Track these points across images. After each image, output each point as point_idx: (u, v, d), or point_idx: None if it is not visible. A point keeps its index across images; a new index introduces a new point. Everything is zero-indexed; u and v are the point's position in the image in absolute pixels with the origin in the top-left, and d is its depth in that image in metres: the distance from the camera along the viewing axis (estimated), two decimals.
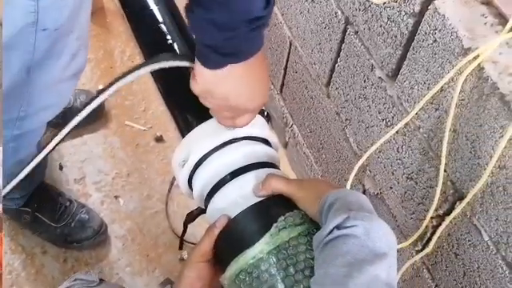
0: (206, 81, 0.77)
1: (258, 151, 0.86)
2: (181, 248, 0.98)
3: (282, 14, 1.57)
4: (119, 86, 0.78)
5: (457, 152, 0.98)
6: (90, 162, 1.76)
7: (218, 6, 0.67)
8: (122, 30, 2.07)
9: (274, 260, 0.73)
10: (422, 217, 1.12)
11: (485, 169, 0.91)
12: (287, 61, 1.62)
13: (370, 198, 1.32)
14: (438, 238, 1.07)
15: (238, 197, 0.81)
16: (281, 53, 1.64)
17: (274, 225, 0.75)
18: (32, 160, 0.79)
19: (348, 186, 1.26)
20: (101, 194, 1.70)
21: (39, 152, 0.79)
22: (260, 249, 0.74)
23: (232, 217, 0.80)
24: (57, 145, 0.79)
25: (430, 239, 1.10)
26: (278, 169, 0.88)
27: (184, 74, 0.89)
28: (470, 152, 0.95)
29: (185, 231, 0.95)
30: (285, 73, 1.66)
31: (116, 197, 1.70)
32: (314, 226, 0.76)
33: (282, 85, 1.70)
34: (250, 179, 0.82)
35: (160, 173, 1.76)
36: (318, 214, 0.72)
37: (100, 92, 0.79)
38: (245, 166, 0.84)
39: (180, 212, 1.67)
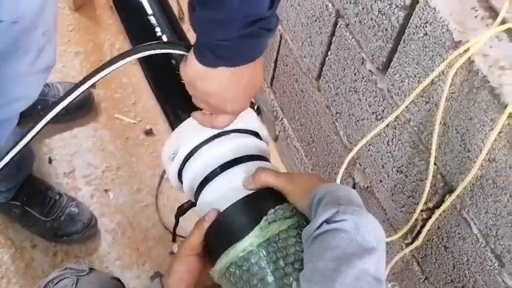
0: (194, 73, 0.77)
1: (248, 144, 0.86)
2: (174, 241, 0.97)
3: None
4: (110, 70, 0.78)
5: (447, 145, 0.98)
6: (80, 155, 1.75)
7: (217, 4, 0.66)
8: (111, 23, 2.06)
9: (264, 253, 0.73)
10: (411, 210, 1.12)
11: (474, 162, 0.91)
12: (277, 54, 1.62)
13: (360, 191, 1.32)
14: (428, 230, 1.07)
15: (228, 190, 0.81)
16: (271, 46, 1.63)
17: (264, 218, 0.75)
18: (15, 146, 0.78)
19: (338, 180, 1.26)
20: (90, 188, 1.69)
21: (21, 139, 0.78)
22: (250, 242, 0.74)
23: (222, 210, 0.79)
24: (41, 129, 0.78)
25: (419, 232, 1.11)
26: (269, 161, 0.88)
27: (174, 68, 0.89)
28: (460, 145, 0.95)
29: (176, 224, 0.95)
30: (275, 66, 1.66)
31: (106, 190, 1.69)
32: (303, 218, 0.76)
33: (273, 78, 1.70)
34: (239, 172, 0.82)
35: (150, 166, 1.76)
36: (308, 208, 0.72)
37: (86, 78, 0.78)
38: (235, 159, 0.84)
39: (170, 205, 1.67)
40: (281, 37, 1.56)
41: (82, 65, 1.94)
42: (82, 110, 1.81)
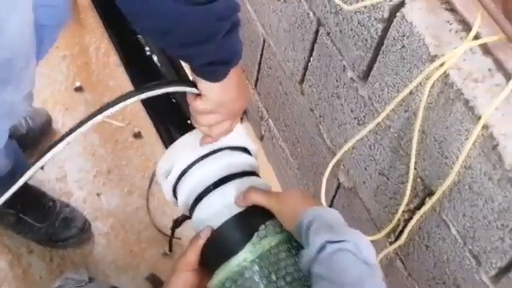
0: (217, 95, 0.82)
1: (238, 161, 0.91)
2: (170, 250, 1.02)
3: (255, 11, 1.60)
4: (122, 106, 0.81)
5: (425, 152, 1.03)
6: (71, 160, 1.78)
7: (203, 40, 0.72)
8: (95, 26, 2.08)
9: (257, 268, 0.78)
10: (394, 210, 1.17)
11: (452, 168, 0.96)
12: (261, 57, 1.66)
13: (345, 191, 1.37)
14: (410, 230, 1.12)
15: (221, 206, 0.85)
16: (254, 49, 1.67)
17: (256, 234, 0.80)
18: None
19: (324, 182, 1.31)
20: (83, 192, 1.72)
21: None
22: (243, 257, 0.79)
23: (216, 227, 0.84)
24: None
25: (402, 232, 1.16)
26: (258, 176, 0.93)
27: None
28: (438, 152, 1.00)
29: (172, 236, 1.00)
30: (259, 68, 1.70)
31: (98, 194, 1.72)
32: (291, 234, 0.81)
33: (257, 80, 1.74)
34: (232, 189, 0.87)
35: (139, 169, 1.79)
36: (296, 231, 0.77)
37: (89, 117, 0.81)
38: (226, 176, 0.88)
39: (161, 207, 1.71)
40: (264, 41, 1.60)
41: (68, 68, 1.97)
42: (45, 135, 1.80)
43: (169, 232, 1.58)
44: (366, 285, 0.69)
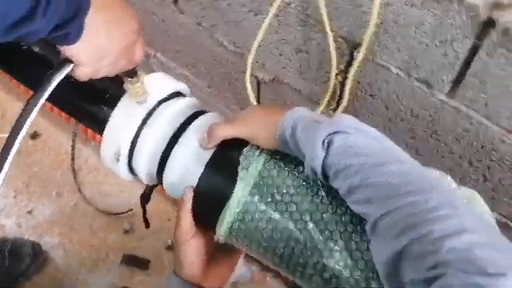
0: (86, 52, 0.68)
1: (180, 108, 0.84)
2: (147, 227, 0.95)
3: None
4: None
5: (336, 10, 1.00)
6: None
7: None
8: None
9: (258, 197, 0.74)
10: (325, 79, 1.15)
11: (370, 14, 0.94)
12: None
13: (266, 85, 1.34)
14: (350, 89, 1.11)
15: (189, 160, 0.79)
16: None
17: (239, 167, 0.75)
18: None
19: (248, 85, 1.26)
20: (13, 218, 1.59)
21: None
22: (240, 195, 0.74)
23: (195, 183, 0.78)
24: None
25: (341, 95, 1.15)
26: (205, 112, 0.86)
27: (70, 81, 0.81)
28: (349, 5, 0.97)
29: (144, 212, 0.93)
30: None
31: (29, 212, 1.60)
32: (269, 149, 0.77)
33: None
34: (190, 137, 0.81)
35: (54, 166, 1.67)
36: (279, 143, 0.73)
37: None
38: (178, 129, 0.82)
39: (97, 190, 1.62)
40: None
41: None
42: None
43: (118, 210, 1.52)
44: (391, 149, 0.68)
